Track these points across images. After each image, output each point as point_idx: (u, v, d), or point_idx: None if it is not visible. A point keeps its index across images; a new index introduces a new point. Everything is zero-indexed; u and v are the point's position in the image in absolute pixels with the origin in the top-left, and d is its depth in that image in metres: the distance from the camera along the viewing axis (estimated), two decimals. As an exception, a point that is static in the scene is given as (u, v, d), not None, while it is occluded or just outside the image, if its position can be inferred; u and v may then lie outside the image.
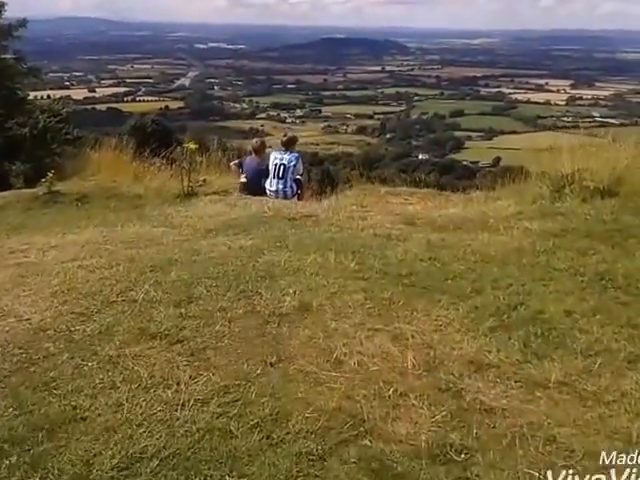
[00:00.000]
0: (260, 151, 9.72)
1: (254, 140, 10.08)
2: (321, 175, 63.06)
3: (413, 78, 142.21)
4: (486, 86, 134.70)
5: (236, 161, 9.95)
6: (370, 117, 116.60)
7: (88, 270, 5.53)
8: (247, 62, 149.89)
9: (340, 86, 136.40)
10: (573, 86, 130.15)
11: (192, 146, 10.45)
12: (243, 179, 9.51)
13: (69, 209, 10.52)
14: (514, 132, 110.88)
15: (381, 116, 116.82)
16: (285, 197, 9.02)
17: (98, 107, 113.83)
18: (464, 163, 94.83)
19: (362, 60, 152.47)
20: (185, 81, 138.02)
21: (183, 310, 4.59)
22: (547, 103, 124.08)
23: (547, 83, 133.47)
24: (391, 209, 8.53)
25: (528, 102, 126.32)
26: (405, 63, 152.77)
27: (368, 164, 78.65)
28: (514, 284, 5.04)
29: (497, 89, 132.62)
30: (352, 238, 6.44)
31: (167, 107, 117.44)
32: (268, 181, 9.11)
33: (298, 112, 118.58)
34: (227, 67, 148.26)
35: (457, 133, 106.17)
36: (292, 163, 9.03)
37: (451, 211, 8.30)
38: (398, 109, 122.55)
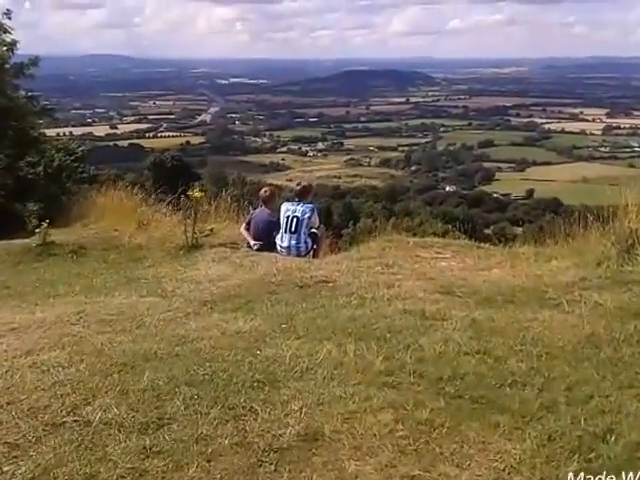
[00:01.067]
0: (270, 202, 8.76)
1: (262, 190, 9.13)
2: (342, 209, 62.14)
3: (439, 109, 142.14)
4: (517, 116, 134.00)
5: (244, 224, 8.98)
6: (394, 149, 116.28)
7: (41, 370, 4.45)
8: (269, 96, 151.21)
9: (363, 118, 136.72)
10: (609, 115, 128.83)
11: (197, 194, 9.49)
12: (252, 243, 8.52)
13: (62, 263, 9.62)
14: (548, 163, 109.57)
15: (406, 148, 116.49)
16: (298, 254, 7.97)
17: (120, 143, 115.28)
18: (494, 195, 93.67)
19: (385, 92, 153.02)
20: (206, 116, 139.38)
21: (149, 441, 3.48)
22: (582, 133, 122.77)
23: (581, 112, 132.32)
24: (422, 270, 7.41)
25: (562, 132, 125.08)
26: (430, 94, 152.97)
27: (392, 197, 77.81)
28: (595, 395, 3.87)
29: (529, 119, 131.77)
30: (376, 317, 5.32)
31: (188, 142, 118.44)
32: (279, 236, 8.08)
33: (320, 145, 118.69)
34: (248, 102, 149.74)
35: (486, 164, 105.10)
36: (306, 215, 8.05)
37: (496, 274, 7.16)
38: (423, 140, 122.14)
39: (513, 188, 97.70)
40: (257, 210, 9.01)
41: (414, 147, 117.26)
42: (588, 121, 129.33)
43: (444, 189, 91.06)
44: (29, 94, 15.71)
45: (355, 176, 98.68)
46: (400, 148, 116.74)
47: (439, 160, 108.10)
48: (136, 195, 15.35)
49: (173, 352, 4.65)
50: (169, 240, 10.11)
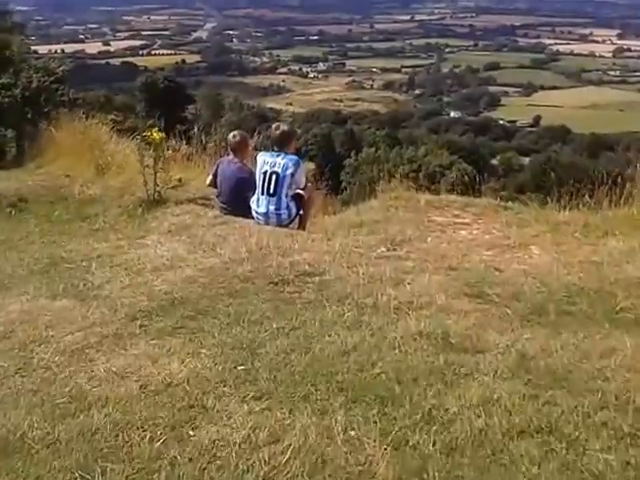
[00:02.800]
0: (241, 151, 6.89)
1: (231, 134, 7.13)
2: (344, 137, 59.98)
3: (445, 28, 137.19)
4: (525, 36, 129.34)
5: (210, 177, 7.13)
6: (398, 71, 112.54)
7: None
8: (267, 11, 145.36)
9: (366, 38, 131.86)
10: (620, 36, 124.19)
11: (156, 136, 7.67)
12: (218, 206, 6.76)
13: (-2, 220, 7.92)
14: (555, 87, 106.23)
15: (409, 70, 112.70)
16: (279, 223, 6.21)
17: (112, 61, 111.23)
18: (501, 122, 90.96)
19: (390, 9, 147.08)
20: (202, 33, 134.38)
21: None
22: (592, 55, 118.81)
23: (591, 33, 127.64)
24: (440, 250, 5.71)
25: (571, 54, 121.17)
26: (436, 11, 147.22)
27: (395, 124, 75.37)
28: None
29: (537, 39, 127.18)
30: (379, 347, 3.63)
31: (184, 61, 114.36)
32: (255, 197, 6.29)
33: (321, 66, 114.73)
34: (246, 17, 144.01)
35: (492, 88, 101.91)
36: (289, 171, 6.16)
37: (537, 259, 5.46)
38: (428, 62, 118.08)
39: (520, 114, 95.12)
40: (224, 160, 7.09)
41: (418, 69, 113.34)
42: (598, 42, 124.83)
43: (449, 115, 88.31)
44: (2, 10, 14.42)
45: (357, 100, 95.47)
46: (404, 70, 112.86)
47: (444, 83, 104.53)
48: (104, 126, 13.59)
49: (47, 439, 2.92)
50: (129, 191, 8.36)
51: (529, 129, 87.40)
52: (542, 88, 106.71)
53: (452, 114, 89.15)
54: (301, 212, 6.45)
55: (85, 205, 8.27)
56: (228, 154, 6.98)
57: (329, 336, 3.76)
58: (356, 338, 3.72)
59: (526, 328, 3.92)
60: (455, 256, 5.52)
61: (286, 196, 6.22)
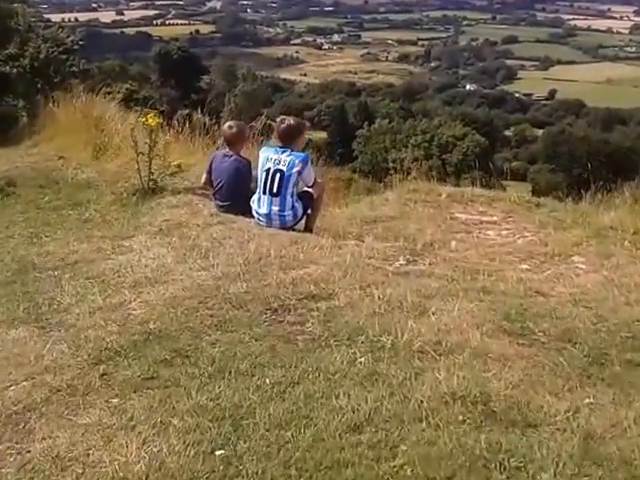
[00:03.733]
0: (237, 143, 5.94)
1: (226, 125, 6.09)
2: (357, 108, 58.75)
3: (462, 0, 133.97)
4: (543, 10, 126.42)
5: (205, 174, 6.15)
6: (414, 43, 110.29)
7: None
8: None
9: (382, 9, 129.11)
10: (637, 13, 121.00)
11: (152, 121, 6.80)
12: (214, 204, 5.90)
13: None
14: (572, 62, 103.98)
15: (426, 42, 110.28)
16: (283, 225, 5.32)
17: (127, 31, 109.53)
18: (516, 95, 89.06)
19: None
20: (216, 3, 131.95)
21: None
22: (609, 31, 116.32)
23: (609, 9, 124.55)
24: (469, 263, 4.84)
25: (588, 29, 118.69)
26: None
27: (410, 96, 73.97)
28: None
29: (555, 14, 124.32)
30: (399, 422, 2.75)
31: (197, 31, 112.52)
32: (256, 196, 5.41)
33: (335, 37, 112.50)
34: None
35: (509, 62, 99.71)
36: (295, 169, 5.26)
37: (586, 277, 4.58)
38: (445, 35, 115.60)
39: (535, 88, 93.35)
40: (218, 154, 6.13)
41: (435, 41, 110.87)
42: (616, 19, 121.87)
43: (464, 87, 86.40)
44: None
45: (372, 72, 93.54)
46: (420, 42, 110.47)
47: (460, 56, 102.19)
48: (112, 100, 12.71)
49: None
50: (125, 176, 7.54)
51: (544, 102, 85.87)
52: (559, 62, 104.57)
53: (468, 87, 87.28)
54: (308, 211, 5.57)
55: (77, 190, 7.48)
56: (224, 147, 6.06)
57: (336, 397, 2.89)
58: (371, 401, 2.86)
59: (587, 387, 3.04)
60: (487, 270, 4.65)
61: (291, 195, 5.31)
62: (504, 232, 6.11)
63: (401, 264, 4.68)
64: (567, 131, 64.19)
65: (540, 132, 68.96)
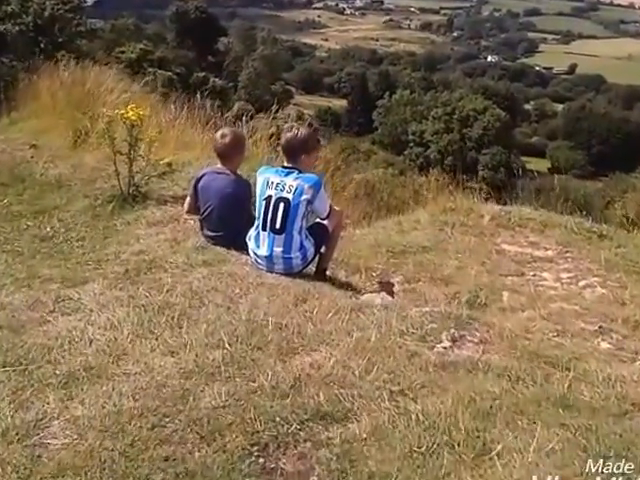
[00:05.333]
0: (234, 155, 4.47)
1: (219, 133, 4.55)
2: (379, 77, 56.87)
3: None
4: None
5: (189, 198, 4.68)
6: (436, 12, 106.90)
7: None
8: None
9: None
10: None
11: (132, 115, 5.43)
12: (202, 233, 4.52)
13: None
14: (593, 37, 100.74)
15: (449, 11, 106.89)
16: (288, 270, 3.97)
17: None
18: (537, 69, 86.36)
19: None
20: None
21: None
22: (631, 6, 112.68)
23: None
24: (534, 342, 3.46)
25: (611, 4, 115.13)
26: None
27: (431, 66, 71.73)
28: None
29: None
30: None
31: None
32: (252, 232, 4.08)
33: (358, 3, 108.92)
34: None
35: (531, 34, 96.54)
36: (304, 197, 3.88)
37: None
38: (468, 4, 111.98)
39: (556, 62, 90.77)
40: (208, 170, 4.60)
41: (457, 11, 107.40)
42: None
43: (485, 59, 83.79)
44: None
45: (394, 40, 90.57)
46: (443, 11, 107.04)
47: (483, 27, 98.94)
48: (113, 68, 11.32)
49: None
50: (105, 174, 6.24)
51: (564, 76, 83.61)
52: (580, 37, 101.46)
53: (489, 58, 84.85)
54: (322, 249, 4.19)
55: (45, 191, 6.17)
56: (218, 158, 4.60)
57: None
58: None
59: None
60: (558, 357, 3.28)
61: (299, 232, 3.94)
62: (564, 275, 4.74)
63: (445, 347, 3.32)
64: (587, 107, 62.12)
65: (560, 107, 66.99)
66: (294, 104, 51.91)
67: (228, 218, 4.18)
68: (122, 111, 5.46)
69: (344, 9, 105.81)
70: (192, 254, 4.16)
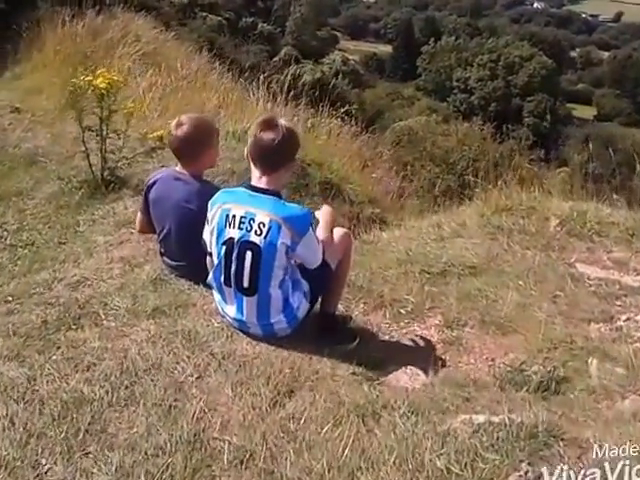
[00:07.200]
0: (197, 154, 2.88)
1: (175, 121, 2.88)
2: (424, 23, 53.58)
3: None
4: None
5: (140, 211, 3.13)
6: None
7: None
8: None
9: None
10: None
11: (100, 82, 4.00)
12: (161, 260, 3.01)
13: None
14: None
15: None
16: (272, 336, 2.50)
17: None
18: (583, 16, 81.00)
19: None
20: None
21: None
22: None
23: None
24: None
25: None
26: None
27: (477, 11, 67.57)
28: None
29: None
30: None
31: None
32: (214, 282, 2.53)
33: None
34: None
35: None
36: (281, 241, 2.35)
37: None
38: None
39: (602, 9, 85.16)
40: (163, 174, 3.03)
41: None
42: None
43: (532, 5, 78.75)
44: None
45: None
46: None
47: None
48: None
49: None
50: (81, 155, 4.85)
51: (610, 24, 78.55)
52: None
53: (535, 5, 79.71)
54: (313, 300, 2.67)
55: (15, 169, 4.89)
56: (174, 164, 3.04)
57: None
58: None
59: None
60: None
61: (280, 285, 2.46)
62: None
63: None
64: (634, 56, 58.02)
65: (605, 55, 62.95)
66: (339, 49, 49.33)
67: (189, 243, 2.70)
68: (89, 77, 4.03)
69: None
70: (142, 293, 2.76)
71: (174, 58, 8.39)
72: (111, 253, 3.26)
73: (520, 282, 3.39)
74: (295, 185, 4.74)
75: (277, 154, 2.41)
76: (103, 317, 2.61)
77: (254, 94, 6.63)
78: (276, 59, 35.49)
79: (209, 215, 2.46)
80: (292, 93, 6.93)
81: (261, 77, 7.09)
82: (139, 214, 3.08)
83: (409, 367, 2.59)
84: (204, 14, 34.77)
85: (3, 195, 4.42)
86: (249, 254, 2.36)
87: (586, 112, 49.55)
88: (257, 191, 2.43)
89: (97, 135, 4.11)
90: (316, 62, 34.52)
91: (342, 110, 7.48)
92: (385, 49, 57.54)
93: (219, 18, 35.76)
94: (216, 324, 2.55)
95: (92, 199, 4.14)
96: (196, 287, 2.81)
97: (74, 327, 2.56)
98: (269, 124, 2.42)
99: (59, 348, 2.42)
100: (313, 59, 36.19)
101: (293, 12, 48.99)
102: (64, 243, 3.63)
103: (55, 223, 3.93)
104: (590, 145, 9.20)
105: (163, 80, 6.44)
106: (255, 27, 41.90)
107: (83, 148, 4.58)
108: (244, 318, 2.45)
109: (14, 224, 3.99)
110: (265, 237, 2.36)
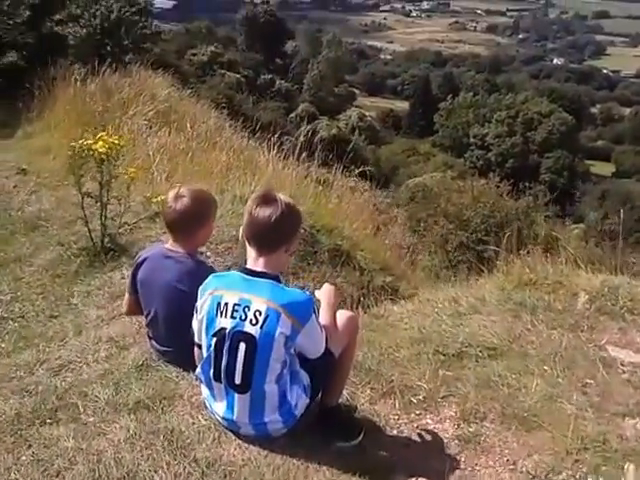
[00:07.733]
0: (191, 230, 2.67)
1: (171, 193, 2.69)
2: (442, 80, 54.40)
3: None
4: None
5: (128, 291, 2.88)
6: (503, 14, 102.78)
7: None
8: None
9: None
10: None
11: (100, 147, 3.90)
12: (150, 345, 2.78)
13: None
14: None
15: (515, 13, 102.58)
16: (265, 436, 2.26)
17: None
18: (604, 72, 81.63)
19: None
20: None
21: None
22: None
23: None
24: None
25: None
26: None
27: (496, 67, 68.53)
28: None
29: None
30: None
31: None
32: (201, 373, 2.27)
33: (424, 5, 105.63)
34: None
35: (599, 37, 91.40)
36: (279, 331, 2.11)
37: None
38: (534, 6, 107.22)
39: (624, 65, 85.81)
40: (154, 251, 2.80)
41: (524, 12, 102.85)
42: None
43: (551, 61, 79.71)
44: None
45: (459, 42, 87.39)
46: (509, 13, 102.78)
47: (549, 29, 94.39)
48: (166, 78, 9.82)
49: None
50: (88, 212, 4.69)
51: (632, 80, 78.99)
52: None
53: (555, 61, 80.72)
54: (312, 396, 2.41)
55: (16, 233, 4.78)
56: (162, 241, 2.89)
57: None
58: None
59: None
60: None
61: (277, 381, 2.21)
62: None
63: None
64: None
65: (627, 111, 63.06)
66: (356, 106, 50.00)
67: (179, 328, 2.46)
68: (89, 141, 3.93)
69: (410, 11, 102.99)
70: (126, 382, 2.53)
71: (189, 116, 8.42)
72: (100, 331, 3.06)
73: (546, 367, 3.12)
74: (303, 253, 4.55)
75: (275, 232, 2.20)
76: (81, 410, 2.39)
77: (265, 155, 6.52)
78: (293, 115, 36.07)
79: (198, 303, 2.25)
80: (305, 153, 6.81)
81: (274, 136, 7.00)
82: (127, 294, 2.89)
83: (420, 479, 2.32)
84: (223, 71, 35.70)
85: (2, 262, 4.28)
86: (242, 346, 2.13)
87: (605, 169, 49.35)
88: (253, 274, 2.21)
89: (97, 202, 3.98)
90: (333, 118, 35.01)
91: (357, 171, 7.38)
92: (402, 105, 58.23)
93: (237, 75, 36.63)
94: (203, 421, 2.32)
95: (90, 267, 3.98)
96: (185, 375, 2.58)
97: (49, 421, 2.34)
98: (266, 199, 2.22)
99: (30, 447, 2.20)
100: (330, 115, 36.74)
101: (311, 69, 50.00)
102: (55, 317, 3.45)
103: (49, 294, 3.77)
104: (606, 202, 9.01)
105: (173, 140, 6.37)
106: (273, 84, 42.75)
107: (87, 212, 4.49)
108: (234, 417, 2.21)
109: (8, 293, 3.83)
110: (261, 327, 2.13)
